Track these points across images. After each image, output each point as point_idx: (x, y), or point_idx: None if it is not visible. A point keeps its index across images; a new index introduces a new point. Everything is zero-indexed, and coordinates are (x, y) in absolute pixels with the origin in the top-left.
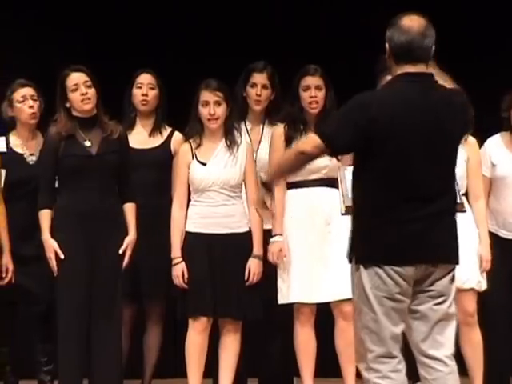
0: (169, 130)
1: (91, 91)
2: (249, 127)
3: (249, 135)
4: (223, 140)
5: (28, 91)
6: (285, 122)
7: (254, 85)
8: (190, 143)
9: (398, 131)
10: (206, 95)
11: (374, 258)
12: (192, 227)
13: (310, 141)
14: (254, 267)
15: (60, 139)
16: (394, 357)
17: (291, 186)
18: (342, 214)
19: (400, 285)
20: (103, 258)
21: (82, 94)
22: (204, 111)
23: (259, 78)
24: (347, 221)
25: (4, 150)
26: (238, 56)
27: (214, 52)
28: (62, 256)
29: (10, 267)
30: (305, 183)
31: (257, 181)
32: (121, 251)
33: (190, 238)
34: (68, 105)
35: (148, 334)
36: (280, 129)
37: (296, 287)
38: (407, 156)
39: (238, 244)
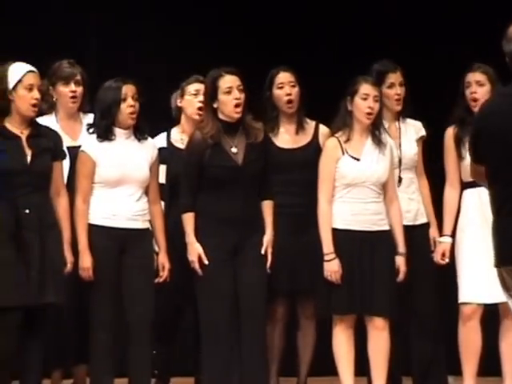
0: (311, 123)
1: (243, 96)
2: (386, 126)
3: (388, 133)
4: (370, 136)
5: (202, 88)
6: (454, 122)
7: (392, 85)
8: (338, 138)
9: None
10: (367, 88)
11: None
12: (341, 224)
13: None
14: (402, 265)
15: (206, 147)
16: None
17: (466, 185)
18: None
19: None
20: (246, 260)
21: (236, 99)
22: (363, 104)
23: (395, 78)
24: None
25: (164, 145)
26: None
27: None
28: (207, 262)
29: (167, 266)
30: (477, 183)
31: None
32: (263, 251)
33: (339, 235)
34: (216, 105)
35: (301, 332)
36: (451, 130)
37: (471, 287)
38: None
39: (386, 242)
